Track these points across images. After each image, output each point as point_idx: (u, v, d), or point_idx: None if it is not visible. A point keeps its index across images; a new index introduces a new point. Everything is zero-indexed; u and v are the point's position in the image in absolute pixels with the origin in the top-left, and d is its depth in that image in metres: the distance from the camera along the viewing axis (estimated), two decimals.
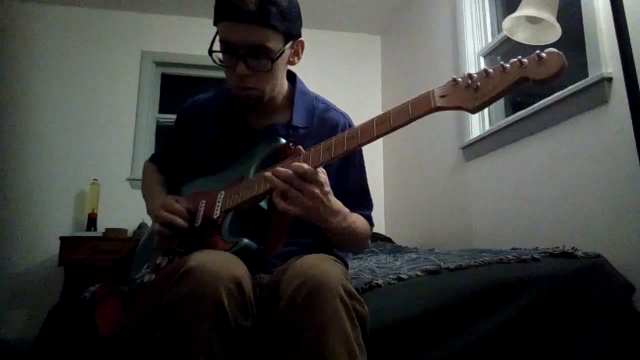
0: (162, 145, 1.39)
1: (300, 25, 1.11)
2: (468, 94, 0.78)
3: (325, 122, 1.19)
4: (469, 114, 2.45)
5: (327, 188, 0.92)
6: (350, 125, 1.21)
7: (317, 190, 0.89)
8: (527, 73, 0.74)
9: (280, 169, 0.90)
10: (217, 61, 1.10)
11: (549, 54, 0.73)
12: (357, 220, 1.08)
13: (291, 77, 1.25)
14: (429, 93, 0.83)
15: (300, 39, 1.13)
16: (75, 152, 3.36)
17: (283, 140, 1.09)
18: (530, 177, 1.96)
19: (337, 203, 0.98)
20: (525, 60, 0.74)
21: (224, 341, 0.78)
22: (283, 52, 1.06)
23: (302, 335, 0.78)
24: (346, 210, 1.01)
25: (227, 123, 1.19)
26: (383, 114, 0.88)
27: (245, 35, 1.01)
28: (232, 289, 0.80)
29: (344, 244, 1.11)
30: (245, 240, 0.97)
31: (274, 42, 1.03)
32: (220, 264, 0.83)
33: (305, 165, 0.89)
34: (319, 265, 0.86)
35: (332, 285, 0.80)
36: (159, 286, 0.87)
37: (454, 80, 0.81)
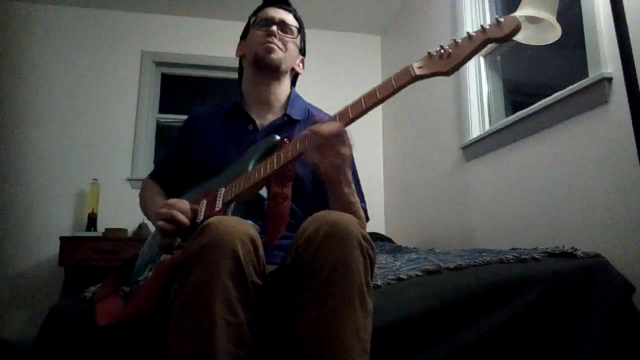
0: (161, 160, 1.45)
1: (305, 45, 1.44)
2: (442, 62, 0.91)
3: (315, 118, 1.27)
4: (469, 114, 2.47)
5: (352, 153, 1.00)
6: None
7: (344, 151, 0.97)
8: (489, 35, 0.86)
9: (317, 127, 0.97)
10: (255, 25, 1.33)
11: (505, 17, 0.86)
12: (358, 204, 1.15)
13: (289, 87, 1.40)
14: (408, 66, 0.95)
15: (304, 57, 1.43)
16: (75, 152, 3.36)
17: (277, 137, 1.15)
18: (530, 177, 1.96)
19: (351, 176, 1.07)
20: (486, 26, 0.88)
21: (241, 292, 0.81)
22: (297, 42, 1.35)
23: (318, 271, 0.83)
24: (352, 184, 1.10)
25: (232, 122, 1.31)
26: (369, 90, 0.97)
27: (283, 15, 1.33)
28: (247, 243, 0.84)
29: None
30: (250, 222, 0.98)
31: (295, 28, 1.35)
32: (235, 222, 0.88)
33: (342, 125, 0.96)
34: (337, 212, 0.92)
35: (350, 227, 0.86)
36: (166, 269, 0.91)
37: (429, 53, 0.94)
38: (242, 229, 0.85)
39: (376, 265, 1.53)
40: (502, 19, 0.86)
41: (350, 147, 0.98)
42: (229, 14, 3.60)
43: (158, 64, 3.68)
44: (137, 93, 3.55)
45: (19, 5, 3.47)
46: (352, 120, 0.97)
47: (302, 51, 1.41)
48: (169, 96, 3.72)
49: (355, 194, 1.10)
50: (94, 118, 3.44)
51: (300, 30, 1.37)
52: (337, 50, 3.89)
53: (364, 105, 0.95)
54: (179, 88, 3.80)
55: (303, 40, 1.41)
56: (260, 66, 1.30)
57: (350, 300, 0.81)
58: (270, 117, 1.30)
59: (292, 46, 1.33)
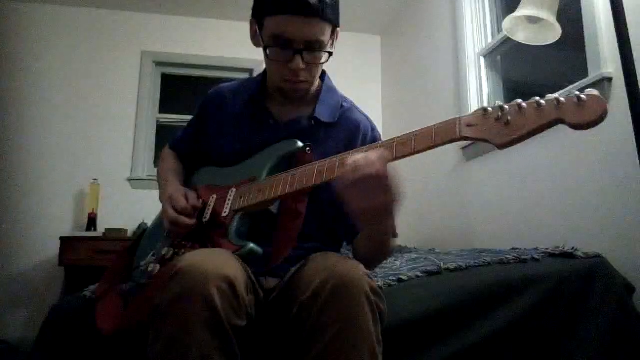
0: (183, 131, 1.35)
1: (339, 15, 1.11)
2: (497, 128, 0.74)
3: (347, 121, 1.17)
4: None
5: (394, 197, 0.85)
6: (373, 129, 1.19)
7: (383, 198, 0.83)
8: (564, 115, 0.69)
9: (352, 162, 0.82)
10: (268, 57, 1.06)
11: (590, 97, 0.68)
12: (389, 241, 1.01)
13: (321, 73, 1.23)
14: (455, 120, 0.80)
15: (338, 28, 1.12)
16: (75, 152, 3.35)
17: (300, 144, 1.07)
18: (530, 177, 1.96)
19: (393, 223, 0.93)
20: (563, 99, 0.69)
21: (219, 342, 0.77)
22: (332, 43, 1.08)
23: (325, 330, 0.77)
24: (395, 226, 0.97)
25: (252, 112, 1.17)
26: (404, 136, 0.84)
27: (306, 29, 1.01)
28: (224, 287, 0.78)
29: (367, 257, 1.05)
30: (252, 245, 0.95)
31: (327, 35, 1.05)
32: (211, 263, 0.81)
33: (378, 166, 0.82)
34: (344, 262, 0.85)
35: (358, 281, 0.80)
36: (160, 285, 0.87)
37: (484, 110, 0.77)
38: (217, 271, 0.79)
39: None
40: (584, 97, 0.67)
41: (392, 193, 0.83)
42: (229, 14, 3.60)
43: (158, 64, 3.68)
44: (137, 93, 3.54)
45: (19, 5, 3.47)
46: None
47: (336, 27, 1.11)
48: (169, 96, 3.71)
49: (393, 228, 0.96)
50: (94, 118, 3.43)
51: (332, 27, 1.08)
52: (337, 50, 3.86)
53: (395, 153, 0.83)
54: (179, 88, 3.80)
55: (338, 18, 1.10)
56: (285, 95, 1.13)
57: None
58: (295, 113, 1.14)
59: (320, 66, 1.10)
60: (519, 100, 0.74)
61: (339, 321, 0.77)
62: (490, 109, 0.76)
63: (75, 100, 3.43)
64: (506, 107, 0.75)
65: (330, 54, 1.06)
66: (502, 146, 0.74)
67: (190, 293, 0.76)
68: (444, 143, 0.80)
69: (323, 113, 1.14)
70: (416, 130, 0.83)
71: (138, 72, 3.58)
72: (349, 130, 1.15)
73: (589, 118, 0.66)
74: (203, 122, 1.26)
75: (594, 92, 0.68)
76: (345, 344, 0.76)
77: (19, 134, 3.31)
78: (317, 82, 1.14)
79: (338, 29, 1.11)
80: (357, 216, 0.86)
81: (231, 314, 0.78)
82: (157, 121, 3.60)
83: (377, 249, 1.01)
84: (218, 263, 0.82)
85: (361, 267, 0.85)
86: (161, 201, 1.18)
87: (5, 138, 3.28)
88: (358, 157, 0.82)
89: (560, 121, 0.69)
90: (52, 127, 3.36)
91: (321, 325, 0.78)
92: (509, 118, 0.73)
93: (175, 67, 3.73)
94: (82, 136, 3.39)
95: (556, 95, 0.70)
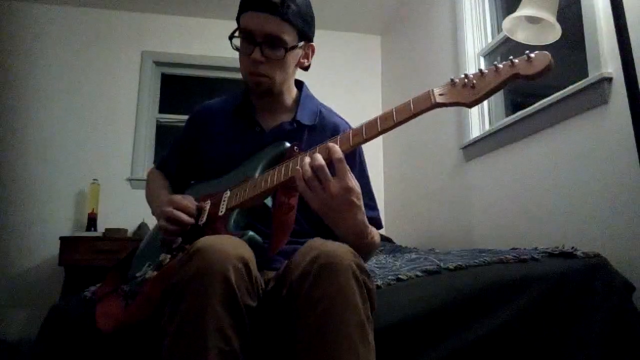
0: (169, 150, 1.40)
1: (314, 31, 1.20)
2: (465, 91, 0.86)
3: (327, 124, 1.25)
4: (469, 114, 2.47)
5: (351, 195, 0.92)
6: (351, 129, 1.24)
7: (331, 190, 0.90)
8: (517, 71, 0.82)
9: (313, 158, 0.93)
10: (235, 48, 1.17)
11: (536, 54, 0.82)
12: (373, 236, 1.06)
13: (299, 84, 1.32)
14: (428, 91, 0.89)
15: (312, 43, 1.22)
16: (75, 152, 3.36)
17: (288, 144, 1.12)
18: (530, 177, 1.96)
19: (359, 223, 0.97)
20: (516, 60, 0.83)
21: (234, 318, 0.79)
22: (295, 47, 1.15)
23: (314, 306, 0.79)
24: (367, 231, 1.01)
25: (238, 122, 1.24)
26: (386, 112, 0.92)
27: (265, 24, 1.10)
28: (239, 267, 0.82)
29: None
30: (251, 232, 0.97)
31: (289, 36, 1.13)
32: (228, 245, 0.85)
33: (336, 154, 0.92)
34: (331, 243, 0.89)
35: (345, 259, 0.83)
36: (166, 276, 0.88)
37: (452, 80, 0.88)
38: (234, 251, 0.83)
39: (376, 266, 1.54)
40: (532, 55, 0.82)
41: (347, 186, 0.90)
42: (229, 14, 3.60)
43: (158, 64, 3.68)
44: (137, 93, 3.55)
45: (19, 5, 3.47)
46: (365, 141, 0.93)
47: (306, 39, 1.18)
48: (169, 96, 3.72)
49: (363, 227, 1.00)
50: (94, 118, 3.44)
51: (298, 33, 1.14)
52: (337, 50, 3.89)
53: (379, 127, 0.91)
54: (179, 88, 3.81)
55: (308, 29, 1.17)
56: (253, 92, 1.21)
57: (350, 335, 0.77)
58: (278, 120, 1.23)
59: (285, 62, 1.15)
60: (481, 68, 0.87)
61: (326, 297, 0.79)
62: (457, 79, 0.88)
63: (75, 100, 3.44)
64: (470, 74, 0.87)
65: (286, 49, 1.13)
66: (471, 104, 0.86)
67: (209, 270, 0.79)
68: (422, 112, 0.89)
69: (304, 117, 1.22)
70: (396, 106, 0.92)
71: (138, 72, 3.59)
72: (329, 131, 1.22)
73: (538, 69, 0.81)
74: (192, 139, 1.31)
75: (541, 51, 0.82)
76: (334, 319, 0.78)
77: (18, 134, 3.31)
78: (281, 81, 1.18)
79: (312, 43, 1.21)
80: (316, 211, 0.94)
81: (245, 294, 0.82)
82: (157, 121, 3.61)
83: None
84: (234, 245, 0.86)
85: (346, 246, 0.88)
86: (155, 215, 1.20)
87: (5, 138, 3.29)
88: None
89: (516, 76, 0.83)
90: (52, 127, 3.36)
91: (310, 303, 0.80)
92: (474, 82, 0.85)
93: (175, 67, 3.74)
94: (82, 136, 3.40)
95: (510, 57, 0.84)
